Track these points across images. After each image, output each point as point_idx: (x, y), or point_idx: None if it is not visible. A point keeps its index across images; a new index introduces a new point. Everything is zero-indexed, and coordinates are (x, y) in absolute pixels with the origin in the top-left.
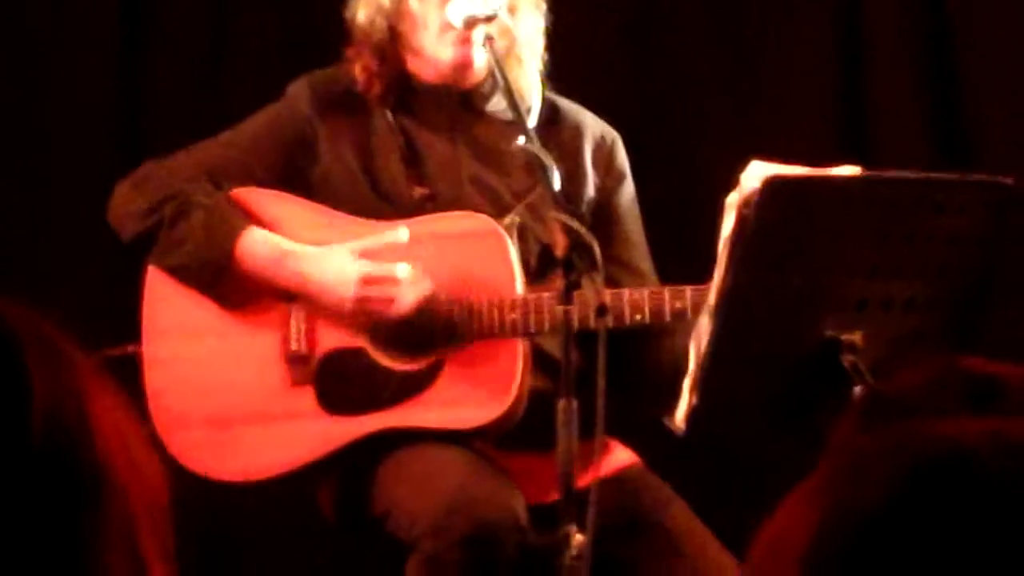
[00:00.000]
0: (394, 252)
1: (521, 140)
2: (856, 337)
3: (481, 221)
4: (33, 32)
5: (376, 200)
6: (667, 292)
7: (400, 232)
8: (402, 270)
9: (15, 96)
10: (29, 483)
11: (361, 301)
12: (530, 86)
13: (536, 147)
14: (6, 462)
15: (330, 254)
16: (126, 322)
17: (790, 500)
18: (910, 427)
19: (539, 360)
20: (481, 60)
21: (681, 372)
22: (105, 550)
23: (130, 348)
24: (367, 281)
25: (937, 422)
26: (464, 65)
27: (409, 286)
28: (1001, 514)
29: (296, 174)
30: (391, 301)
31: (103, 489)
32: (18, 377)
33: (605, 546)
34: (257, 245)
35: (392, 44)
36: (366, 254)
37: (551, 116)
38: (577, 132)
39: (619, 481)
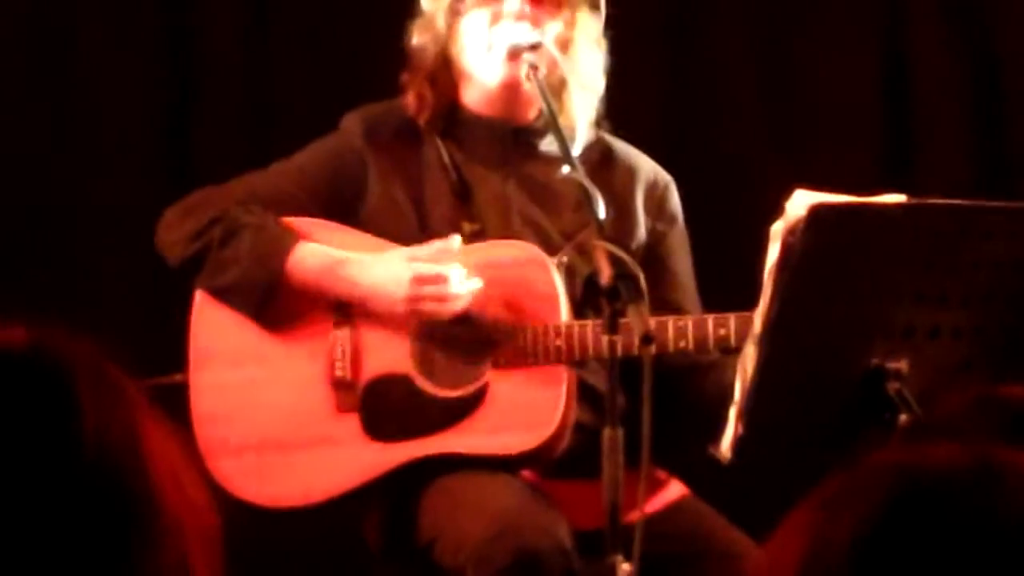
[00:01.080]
0: (445, 257)
1: (566, 169)
2: (902, 365)
3: (526, 250)
4: (85, 69)
5: (423, 237)
6: (711, 320)
7: (453, 239)
8: (454, 270)
9: (64, 124)
10: (80, 511)
11: (413, 300)
12: (578, 121)
13: (581, 175)
14: (56, 490)
15: (382, 258)
16: (174, 350)
17: (783, 527)
18: (897, 455)
19: (584, 393)
20: (529, 88)
21: (726, 405)
22: (158, 574)
23: (178, 377)
24: (419, 280)
25: (929, 449)
26: (511, 86)
27: (461, 284)
28: (979, 541)
29: (345, 207)
30: (443, 300)
31: (154, 516)
32: (69, 406)
33: (653, 574)
34: (308, 257)
35: (445, 70)
36: (417, 258)
37: (605, 157)
38: (630, 175)
39: (674, 512)
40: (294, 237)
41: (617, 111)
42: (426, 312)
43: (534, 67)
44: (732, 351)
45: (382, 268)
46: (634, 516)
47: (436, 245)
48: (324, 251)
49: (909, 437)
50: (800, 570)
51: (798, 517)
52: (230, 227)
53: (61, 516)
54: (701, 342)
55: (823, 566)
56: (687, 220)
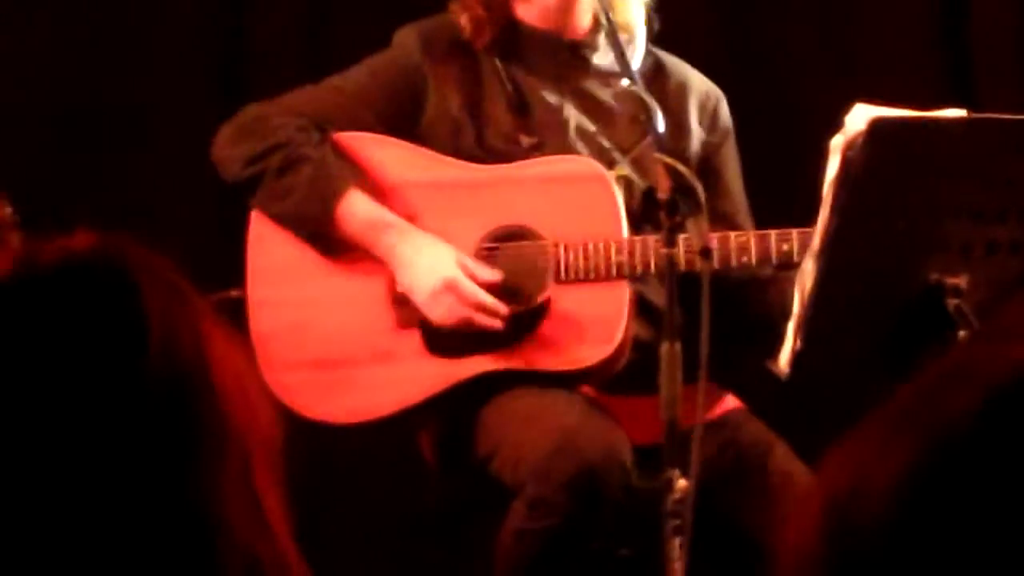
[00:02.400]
0: (488, 281)
1: (625, 83)
2: (961, 280)
3: (587, 165)
4: None
5: (480, 152)
6: (774, 235)
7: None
8: (488, 299)
9: (119, 37)
10: (146, 417)
11: (435, 298)
12: (634, 31)
13: (641, 89)
14: (122, 396)
15: (431, 243)
16: (229, 265)
17: (866, 430)
18: (983, 350)
19: (642, 309)
20: (586, 3)
21: (782, 320)
22: (223, 478)
23: (234, 292)
24: (451, 287)
25: (1011, 346)
26: (569, 3)
27: (483, 315)
28: None
29: (403, 122)
30: (462, 315)
31: (220, 424)
32: (136, 312)
33: (708, 488)
34: (357, 211)
35: None
36: (466, 266)
37: (656, 71)
38: (683, 88)
39: (722, 424)
40: (348, 181)
41: (674, 29)
42: (436, 313)
43: None
44: (793, 266)
45: (427, 253)
46: (689, 422)
47: (486, 272)
48: (374, 209)
49: (978, 341)
50: (904, 475)
51: (883, 420)
52: (289, 156)
53: (127, 422)
54: (763, 257)
55: (929, 471)
56: (746, 137)
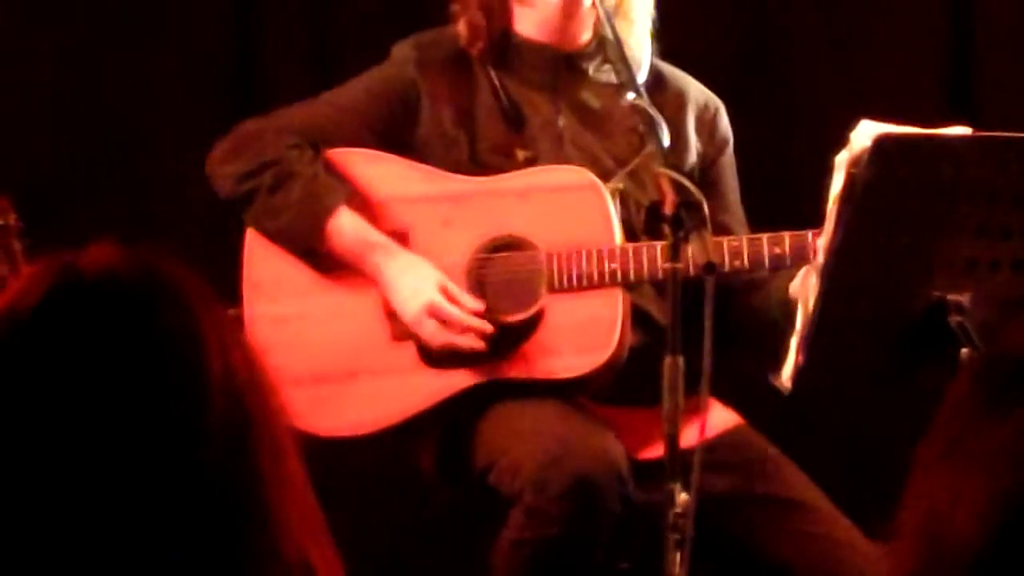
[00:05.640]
0: (470, 308)
1: (631, 96)
2: (964, 298)
3: (578, 174)
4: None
5: (475, 166)
6: (766, 239)
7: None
8: (472, 320)
9: (124, 45)
10: (213, 439)
11: (417, 322)
12: (640, 45)
13: (646, 103)
14: (190, 423)
15: (416, 264)
16: (226, 282)
17: (961, 456)
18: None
19: (638, 319)
20: (587, 10)
21: (776, 324)
22: (281, 482)
23: (231, 311)
24: (432, 311)
25: None
26: (571, 6)
27: (466, 337)
28: None
29: (398, 136)
30: (441, 341)
31: (276, 429)
32: (192, 334)
33: (711, 504)
34: (345, 229)
35: None
36: (447, 290)
37: (655, 82)
38: (681, 99)
39: (725, 443)
40: (339, 197)
41: (676, 37)
42: (422, 336)
43: None
44: (785, 269)
45: (410, 276)
46: (688, 440)
47: (468, 300)
48: (362, 228)
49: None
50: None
51: (964, 462)
52: (281, 174)
53: (194, 448)
54: (756, 261)
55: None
56: (747, 149)
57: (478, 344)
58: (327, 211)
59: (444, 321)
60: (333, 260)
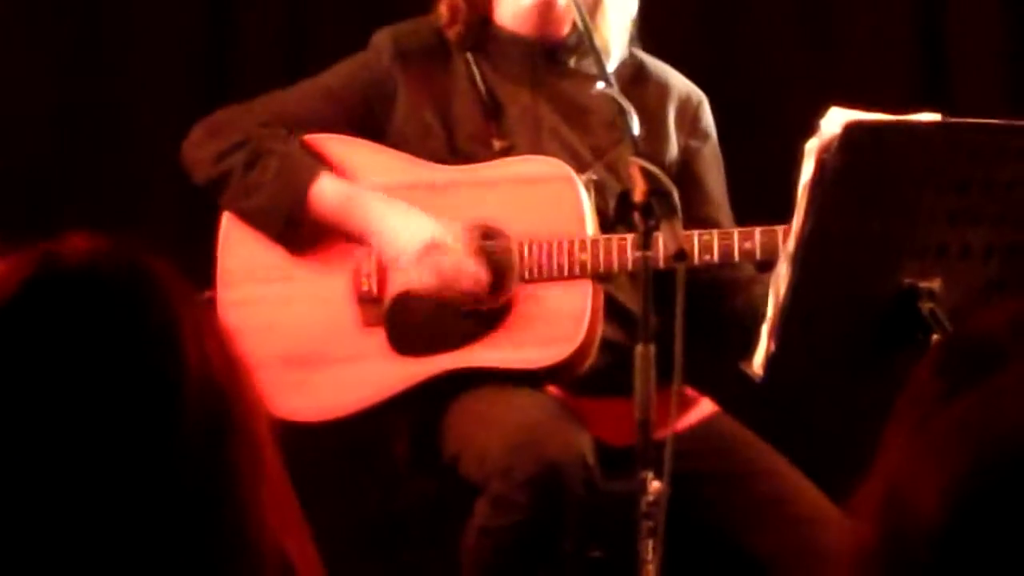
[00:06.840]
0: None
1: (600, 85)
2: (935, 284)
3: (552, 165)
4: None
5: (451, 155)
6: (736, 233)
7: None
8: (472, 265)
9: (101, 37)
10: (189, 426)
11: (421, 258)
12: (614, 38)
13: (615, 91)
14: (167, 411)
15: (419, 213)
16: (202, 268)
17: (924, 434)
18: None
19: (613, 310)
20: (563, 6)
21: (757, 321)
22: (260, 479)
23: (206, 294)
24: (435, 247)
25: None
26: (546, 3)
27: (467, 278)
28: None
29: (374, 125)
30: (444, 276)
31: (254, 422)
32: (169, 325)
33: (686, 492)
34: (328, 190)
35: None
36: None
37: (637, 74)
38: (662, 91)
39: (703, 430)
40: (318, 167)
41: (653, 29)
42: (423, 276)
43: None
44: (763, 266)
45: (402, 218)
46: (664, 433)
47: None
48: (346, 186)
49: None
50: (954, 487)
51: (925, 443)
52: (255, 152)
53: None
54: (726, 255)
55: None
56: (722, 139)
57: (480, 286)
58: (309, 178)
59: (448, 256)
60: (306, 244)
